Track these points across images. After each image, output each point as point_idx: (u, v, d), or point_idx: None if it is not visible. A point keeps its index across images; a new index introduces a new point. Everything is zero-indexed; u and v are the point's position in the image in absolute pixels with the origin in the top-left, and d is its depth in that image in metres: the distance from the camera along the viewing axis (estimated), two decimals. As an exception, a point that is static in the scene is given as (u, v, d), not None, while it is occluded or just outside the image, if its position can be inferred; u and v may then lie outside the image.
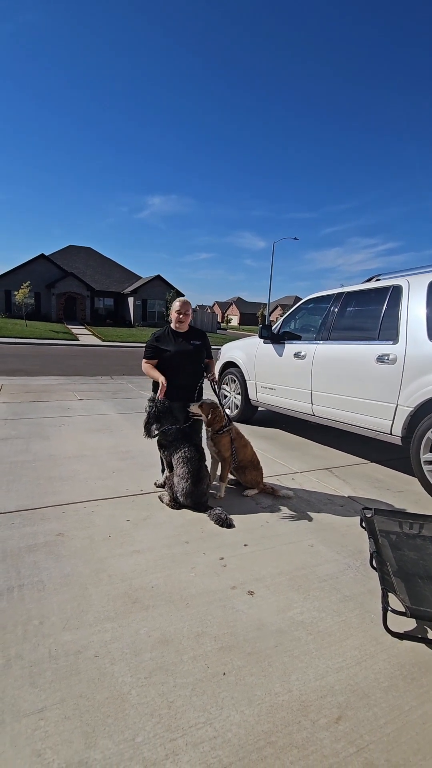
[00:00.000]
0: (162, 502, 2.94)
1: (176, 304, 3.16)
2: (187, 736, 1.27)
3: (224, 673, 1.51)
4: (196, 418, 3.05)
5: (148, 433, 2.93)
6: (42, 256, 33.04)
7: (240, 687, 1.46)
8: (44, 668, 1.50)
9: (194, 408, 3.03)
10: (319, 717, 1.36)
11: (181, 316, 3.12)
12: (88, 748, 1.22)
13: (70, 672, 1.49)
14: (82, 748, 1.22)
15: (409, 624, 1.80)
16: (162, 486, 3.08)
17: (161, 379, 3.02)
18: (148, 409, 2.94)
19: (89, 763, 1.18)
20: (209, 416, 3.02)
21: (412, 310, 3.46)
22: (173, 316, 3.16)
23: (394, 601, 1.72)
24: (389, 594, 1.75)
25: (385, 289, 3.81)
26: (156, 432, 2.93)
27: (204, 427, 3.13)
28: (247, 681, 1.49)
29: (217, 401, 3.14)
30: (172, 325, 3.18)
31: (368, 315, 3.93)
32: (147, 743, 1.25)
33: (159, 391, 3.00)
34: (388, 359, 3.50)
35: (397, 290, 3.68)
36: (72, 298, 33.51)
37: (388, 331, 3.60)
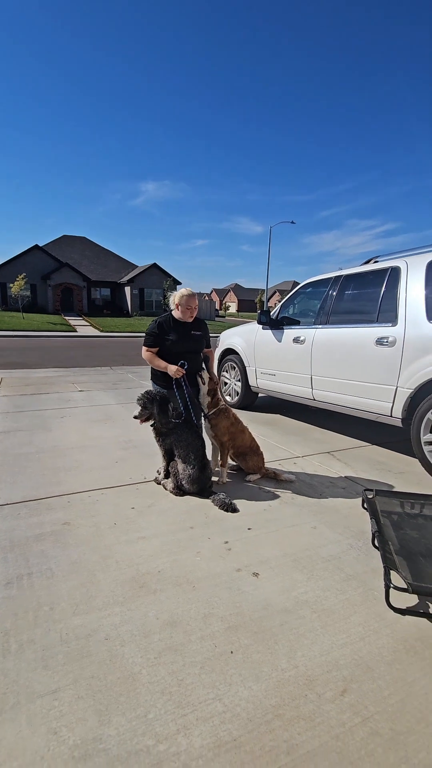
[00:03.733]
0: (165, 489, 2.97)
1: (184, 299, 3.04)
2: (197, 711, 1.32)
3: (232, 652, 1.55)
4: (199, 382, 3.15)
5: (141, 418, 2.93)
6: (36, 247, 32.69)
7: (247, 664, 1.50)
8: (56, 651, 1.54)
9: (205, 374, 3.13)
10: (325, 690, 1.40)
11: (189, 311, 3.07)
12: (102, 725, 1.26)
13: (81, 654, 1.53)
14: (96, 725, 1.26)
15: (412, 600, 1.83)
16: (159, 482, 3.09)
17: (169, 367, 3.00)
18: (145, 405, 2.89)
19: (104, 738, 1.22)
20: (210, 387, 3.12)
21: (410, 292, 3.44)
22: (180, 309, 3.07)
23: (397, 579, 1.76)
24: (391, 572, 1.79)
25: (384, 270, 3.78)
26: (152, 419, 2.92)
27: (202, 403, 3.16)
28: (254, 658, 1.53)
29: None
30: (176, 315, 3.14)
31: (367, 298, 3.91)
32: (159, 719, 1.29)
33: (174, 374, 2.98)
34: (387, 341, 3.50)
35: (395, 272, 3.65)
36: (68, 289, 33.28)
37: (387, 313, 3.59)
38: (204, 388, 3.13)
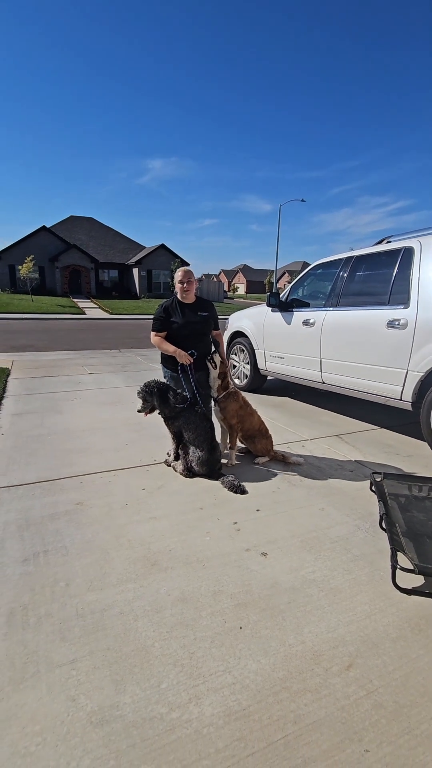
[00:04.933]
0: (175, 471, 3.02)
1: (178, 274, 3.12)
2: (208, 682, 1.38)
3: (241, 627, 1.61)
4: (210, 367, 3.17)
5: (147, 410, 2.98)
6: (44, 228, 32.42)
7: (256, 639, 1.56)
8: (72, 625, 1.61)
9: (216, 357, 3.15)
10: (331, 665, 1.45)
11: (184, 285, 3.09)
12: (118, 694, 1.33)
13: (96, 628, 1.59)
14: (113, 694, 1.33)
15: (418, 580, 1.87)
16: (169, 464, 3.14)
17: (178, 352, 3.03)
18: (147, 396, 2.93)
19: (120, 706, 1.29)
20: (221, 370, 3.14)
21: (424, 273, 3.37)
22: (177, 286, 3.13)
23: (403, 560, 1.79)
24: (398, 553, 1.82)
25: (396, 251, 3.70)
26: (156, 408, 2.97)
27: (212, 387, 3.18)
28: (263, 634, 1.58)
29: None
30: (178, 296, 3.16)
31: (378, 279, 3.84)
32: (171, 689, 1.35)
33: (182, 360, 3.04)
34: (398, 324, 3.45)
35: (408, 252, 3.57)
36: (76, 271, 33.12)
37: (399, 295, 3.53)
38: (215, 372, 3.14)
